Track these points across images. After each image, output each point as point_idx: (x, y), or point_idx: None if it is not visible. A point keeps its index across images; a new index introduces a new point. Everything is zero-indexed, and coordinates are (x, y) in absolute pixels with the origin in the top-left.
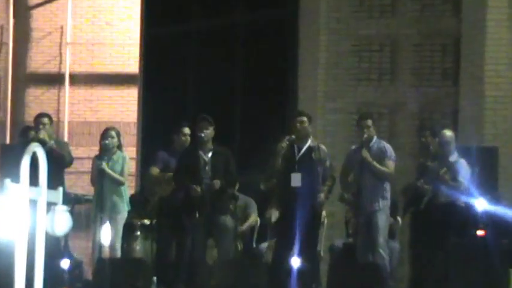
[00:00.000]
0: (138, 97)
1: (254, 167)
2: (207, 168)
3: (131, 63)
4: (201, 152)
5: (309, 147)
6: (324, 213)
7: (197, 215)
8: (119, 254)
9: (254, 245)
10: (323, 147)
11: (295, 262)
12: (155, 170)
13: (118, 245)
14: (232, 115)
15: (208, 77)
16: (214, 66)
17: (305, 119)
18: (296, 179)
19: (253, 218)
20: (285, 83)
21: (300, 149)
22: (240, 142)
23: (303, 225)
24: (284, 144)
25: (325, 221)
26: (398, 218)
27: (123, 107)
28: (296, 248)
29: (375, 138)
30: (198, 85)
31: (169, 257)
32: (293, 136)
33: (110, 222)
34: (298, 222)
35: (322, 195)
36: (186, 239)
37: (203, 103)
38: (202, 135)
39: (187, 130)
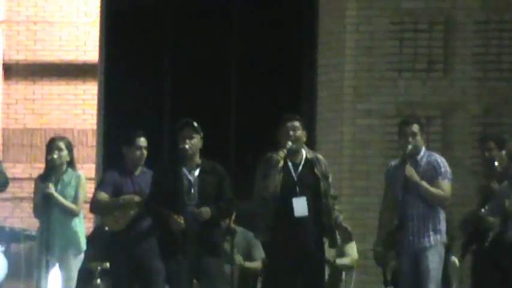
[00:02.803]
0: (98, 95)
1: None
2: (192, 191)
3: (88, 49)
4: (184, 170)
5: (307, 159)
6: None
7: (180, 256)
8: None
9: None
10: (321, 157)
11: None
12: (102, 196)
13: None
14: (226, 119)
15: (193, 67)
16: (201, 51)
17: (298, 123)
18: (301, 206)
19: (258, 264)
20: (299, 76)
21: (295, 165)
22: (237, 156)
23: (307, 271)
24: (282, 154)
25: (354, 264)
26: (455, 260)
27: (77, 108)
28: None
29: (424, 150)
30: (178, 78)
31: None
32: (291, 144)
33: (59, 267)
34: (301, 268)
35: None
36: None
37: (185, 102)
38: (186, 146)
39: (143, 141)
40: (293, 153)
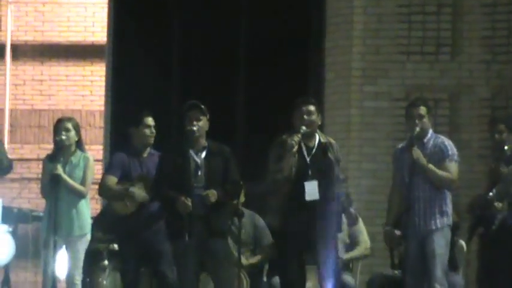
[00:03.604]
0: (106, 77)
1: (264, 174)
2: (199, 173)
3: (97, 30)
4: (191, 152)
5: (320, 143)
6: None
7: (186, 238)
8: None
9: (265, 279)
10: (333, 141)
11: None
12: (111, 180)
13: (78, 279)
14: (234, 101)
15: (201, 48)
16: (210, 32)
17: (313, 107)
18: (312, 190)
19: (267, 251)
20: (307, 58)
21: (309, 148)
22: (244, 138)
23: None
24: (296, 139)
25: (368, 252)
26: (463, 243)
27: (85, 90)
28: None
29: (431, 132)
30: (186, 59)
31: None
32: (305, 128)
33: (66, 248)
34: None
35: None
36: (165, 271)
37: (194, 84)
38: (194, 128)
39: (151, 120)
40: (307, 137)
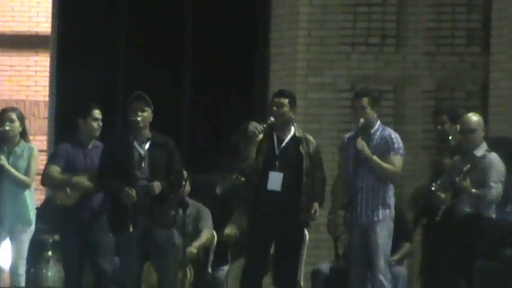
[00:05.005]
0: (51, 67)
1: (210, 164)
2: (143, 164)
3: (41, 21)
4: (135, 143)
5: (294, 137)
6: None
7: (131, 229)
8: (23, 282)
9: (210, 271)
10: (311, 138)
11: None
12: (54, 169)
13: (22, 270)
14: (179, 92)
15: (147, 40)
16: (155, 23)
17: (285, 101)
18: (275, 180)
19: (208, 235)
20: (252, 49)
21: (280, 140)
22: (189, 131)
23: (282, 244)
24: (260, 128)
25: (307, 238)
26: None
27: (29, 80)
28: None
29: (378, 123)
30: (131, 51)
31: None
32: (272, 120)
33: (10, 239)
34: (276, 240)
35: (314, 209)
36: (102, 263)
37: (140, 75)
38: (138, 119)
39: (98, 113)
40: (280, 129)
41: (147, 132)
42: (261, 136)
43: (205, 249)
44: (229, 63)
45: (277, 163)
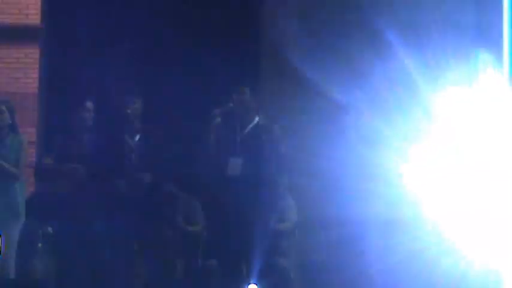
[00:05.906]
0: (40, 59)
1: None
2: (133, 156)
3: (31, 13)
4: (126, 135)
5: (257, 125)
6: None
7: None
8: (12, 274)
9: None
10: (277, 128)
11: None
12: (47, 160)
13: (11, 262)
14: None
15: (141, 32)
16: (143, 13)
17: (245, 89)
18: (234, 166)
19: (199, 227)
20: None
21: (243, 127)
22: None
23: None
24: (217, 112)
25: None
26: None
27: (18, 72)
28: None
29: None
30: (124, 42)
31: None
32: (231, 105)
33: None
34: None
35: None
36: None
37: (128, 66)
38: (128, 111)
39: (90, 105)
40: (242, 117)
41: (138, 124)
42: (219, 120)
43: (195, 238)
44: None
45: (237, 149)
